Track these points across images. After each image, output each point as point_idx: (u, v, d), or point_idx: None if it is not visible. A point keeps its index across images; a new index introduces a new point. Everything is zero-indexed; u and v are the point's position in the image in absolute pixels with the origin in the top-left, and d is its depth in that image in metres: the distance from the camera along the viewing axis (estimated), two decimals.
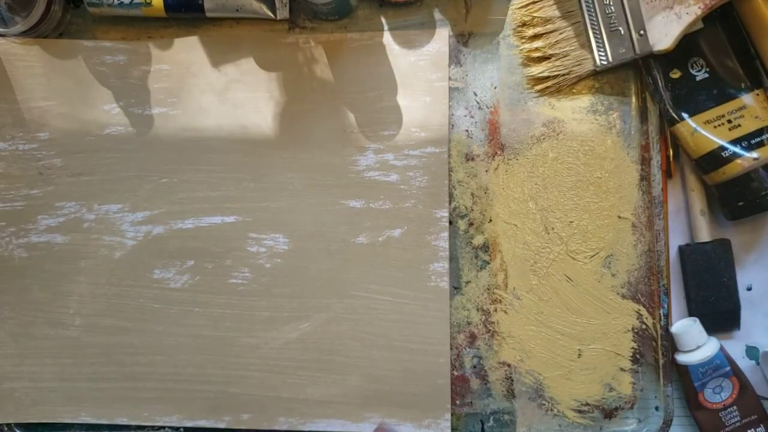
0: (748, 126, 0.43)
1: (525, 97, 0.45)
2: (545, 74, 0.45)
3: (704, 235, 0.45)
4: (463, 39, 0.46)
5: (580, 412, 0.44)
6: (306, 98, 0.46)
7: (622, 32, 0.43)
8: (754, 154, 0.42)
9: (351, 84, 0.46)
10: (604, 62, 0.44)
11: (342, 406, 0.44)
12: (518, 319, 0.44)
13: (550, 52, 0.45)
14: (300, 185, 0.46)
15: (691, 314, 0.45)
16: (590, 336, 0.44)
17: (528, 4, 0.45)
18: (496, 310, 0.44)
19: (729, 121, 0.43)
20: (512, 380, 0.44)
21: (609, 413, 0.44)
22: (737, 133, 0.43)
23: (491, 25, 0.46)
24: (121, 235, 0.46)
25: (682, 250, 0.45)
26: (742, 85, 0.43)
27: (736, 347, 0.45)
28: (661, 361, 0.44)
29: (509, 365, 0.44)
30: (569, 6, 0.45)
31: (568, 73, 0.45)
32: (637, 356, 0.44)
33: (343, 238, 0.45)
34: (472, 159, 0.45)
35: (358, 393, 0.44)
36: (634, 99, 0.45)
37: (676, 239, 0.46)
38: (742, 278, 0.45)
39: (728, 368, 0.43)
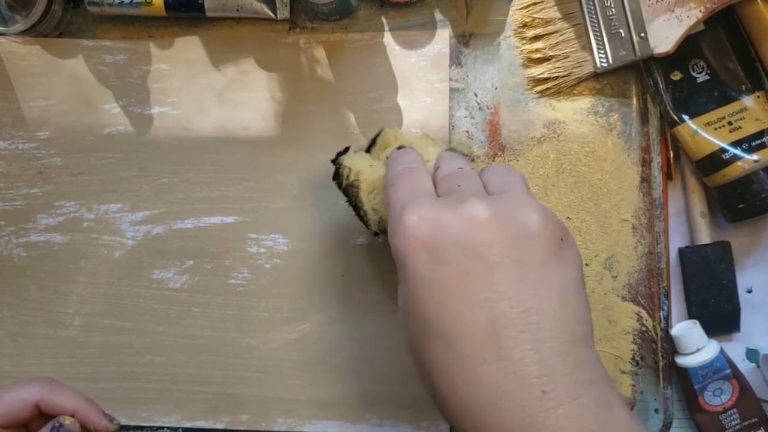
0: (749, 128, 0.43)
1: (525, 98, 0.45)
2: (545, 75, 0.45)
3: (704, 237, 0.45)
4: (463, 40, 0.46)
5: None
6: (306, 98, 0.46)
7: (623, 34, 0.43)
8: (755, 157, 0.42)
9: (351, 84, 0.46)
10: (605, 64, 0.44)
11: (341, 408, 0.44)
12: None
13: (551, 53, 0.45)
14: (300, 186, 0.45)
15: (691, 316, 0.45)
16: None
17: (529, 6, 0.45)
18: None
19: (729, 123, 0.43)
20: None
21: None
22: (738, 135, 0.43)
23: (492, 26, 0.46)
24: (121, 234, 0.46)
25: (683, 252, 0.45)
26: (743, 87, 0.43)
27: (736, 350, 0.45)
28: (660, 364, 0.43)
29: None
30: (570, 8, 0.45)
31: (568, 75, 0.45)
32: (637, 358, 0.44)
33: (343, 238, 0.45)
34: (473, 160, 0.45)
35: (357, 394, 0.44)
36: (634, 101, 0.45)
37: (677, 241, 0.46)
38: (742, 280, 0.45)
39: (728, 371, 0.43)
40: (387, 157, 0.38)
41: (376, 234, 0.40)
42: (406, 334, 0.32)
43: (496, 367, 0.27)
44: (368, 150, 0.40)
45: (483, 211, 0.29)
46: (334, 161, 0.39)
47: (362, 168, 0.38)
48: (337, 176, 0.39)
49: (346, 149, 0.39)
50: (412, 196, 0.31)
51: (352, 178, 0.38)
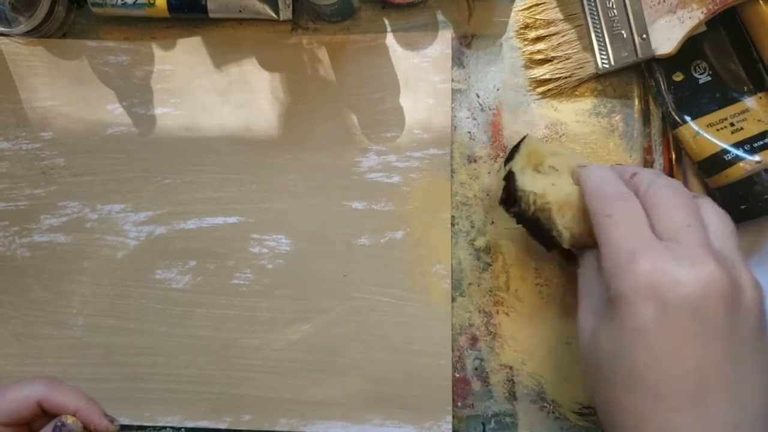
0: (751, 129, 0.43)
1: (527, 99, 0.46)
2: (547, 77, 0.45)
3: None
4: (466, 41, 0.46)
5: (581, 414, 0.44)
6: (308, 99, 0.46)
7: (625, 36, 0.43)
8: (757, 158, 0.42)
9: (353, 85, 0.46)
10: (606, 65, 0.44)
11: (343, 408, 0.44)
12: (520, 321, 0.44)
13: (553, 54, 0.45)
14: (302, 186, 0.46)
15: None
16: None
17: (531, 7, 0.45)
18: (497, 312, 0.44)
19: (731, 124, 0.43)
20: (514, 383, 0.44)
21: None
22: (740, 137, 0.43)
23: (494, 27, 0.46)
24: (124, 235, 0.46)
25: None
26: (745, 88, 0.43)
27: None
28: None
29: (511, 367, 0.44)
30: (572, 9, 0.45)
31: (570, 76, 0.45)
32: None
33: (345, 239, 0.45)
34: (475, 161, 0.45)
35: (359, 395, 0.44)
36: (636, 102, 0.45)
37: None
38: None
39: None
40: (572, 174, 0.38)
41: (549, 249, 0.40)
42: (594, 370, 0.33)
43: (693, 417, 0.29)
44: (510, 158, 0.39)
45: (718, 277, 0.29)
46: (507, 187, 0.38)
47: (545, 190, 0.37)
48: (514, 203, 0.38)
49: (510, 170, 0.38)
50: (640, 239, 0.31)
51: (539, 202, 0.37)
